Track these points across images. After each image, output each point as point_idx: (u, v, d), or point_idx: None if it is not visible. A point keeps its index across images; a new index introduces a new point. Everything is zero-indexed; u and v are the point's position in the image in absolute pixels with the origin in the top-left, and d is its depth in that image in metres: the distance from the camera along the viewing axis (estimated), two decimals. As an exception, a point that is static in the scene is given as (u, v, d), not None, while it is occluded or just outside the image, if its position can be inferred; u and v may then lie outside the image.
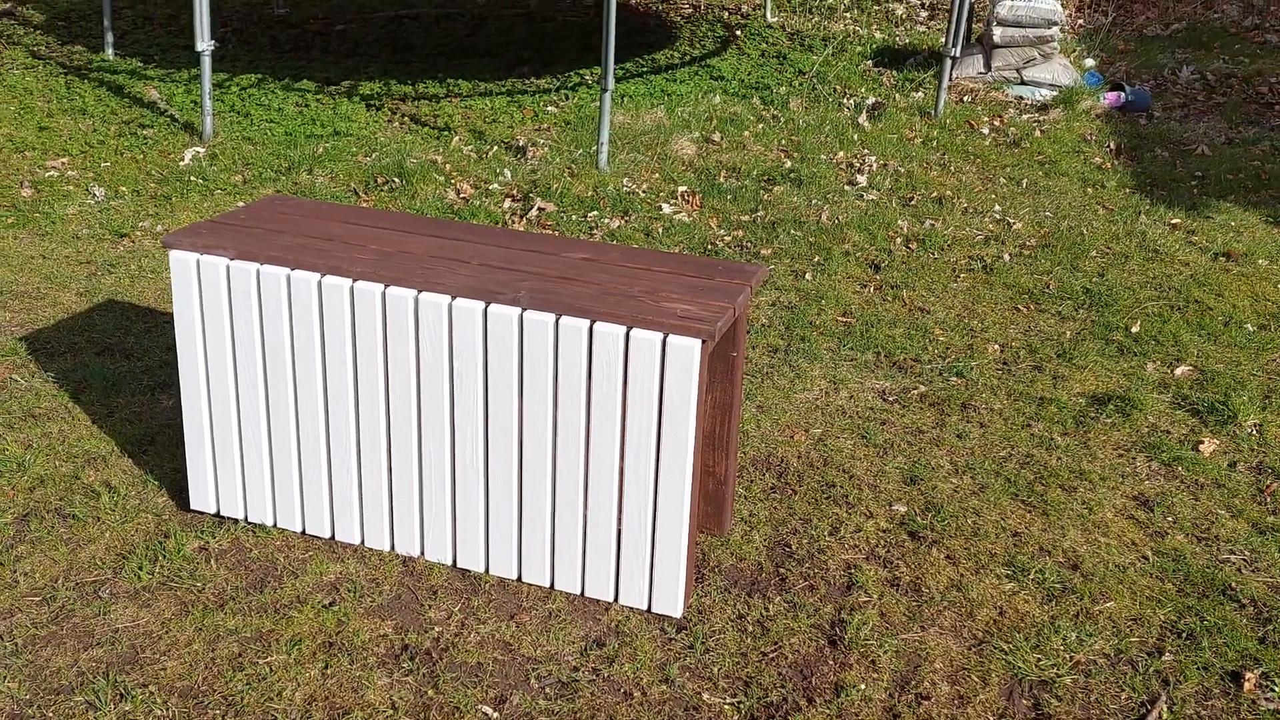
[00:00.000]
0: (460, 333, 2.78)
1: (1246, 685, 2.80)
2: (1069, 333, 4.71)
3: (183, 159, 5.96)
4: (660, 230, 5.56)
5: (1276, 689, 2.80)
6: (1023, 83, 8.55)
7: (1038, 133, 7.43)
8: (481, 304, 2.76)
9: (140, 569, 2.94)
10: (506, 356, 2.77)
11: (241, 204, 4.72)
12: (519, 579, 2.99)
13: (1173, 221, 6.01)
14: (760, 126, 7.12)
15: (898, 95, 8.06)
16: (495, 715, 2.57)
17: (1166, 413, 4.08)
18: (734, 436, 3.16)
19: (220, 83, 7.24)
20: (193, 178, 5.76)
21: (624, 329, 2.69)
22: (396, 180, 5.85)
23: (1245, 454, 3.82)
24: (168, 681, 2.60)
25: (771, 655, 2.81)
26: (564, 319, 2.71)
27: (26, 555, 2.98)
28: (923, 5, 10.99)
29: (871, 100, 7.84)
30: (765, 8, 10.05)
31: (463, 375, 2.82)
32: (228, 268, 2.89)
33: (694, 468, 2.77)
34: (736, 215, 5.81)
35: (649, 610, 2.91)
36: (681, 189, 6.04)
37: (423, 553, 3.04)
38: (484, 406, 2.84)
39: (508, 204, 5.75)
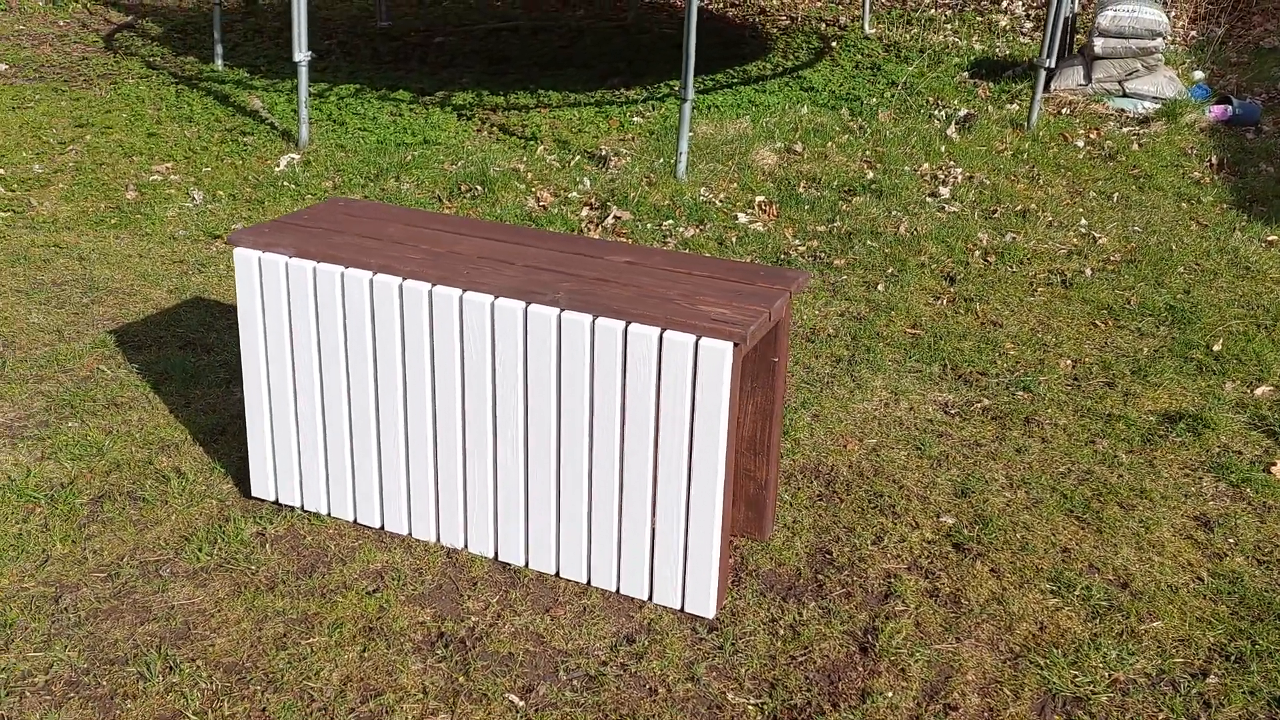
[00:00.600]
0: (502, 331, 2.86)
1: (1291, 710, 2.73)
2: (1146, 349, 4.62)
3: (278, 165, 6.19)
4: (734, 240, 5.59)
5: (1324, 715, 2.72)
6: (1125, 95, 8.38)
7: (1135, 146, 7.28)
8: (522, 304, 2.84)
9: (200, 551, 3.09)
10: (546, 355, 2.84)
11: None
12: (557, 574, 3.06)
13: (1270, 239, 5.84)
14: (845, 137, 7.11)
15: (991, 107, 7.97)
16: (521, 704, 2.64)
17: (1240, 433, 3.98)
18: (775, 442, 3.18)
19: (320, 92, 7.49)
20: (285, 183, 5.97)
21: (658, 330, 2.74)
22: (479, 188, 5.99)
23: (1317, 476, 3.72)
24: (214, 657, 2.72)
25: (800, 659, 2.83)
26: (600, 320, 2.78)
27: (97, 534, 3.14)
28: (1027, 16, 10.84)
29: (963, 112, 7.76)
30: (864, 19, 10.02)
31: (504, 373, 2.90)
32: (286, 265, 3.02)
33: (727, 470, 2.81)
34: (813, 225, 5.81)
35: (682, 610, 2.95)
36: (759, 199, 6.07)
37: (466, 545, 3.13)
38: (524, 404, 2.91)
39: (585, 212, 5.85)
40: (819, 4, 11.21)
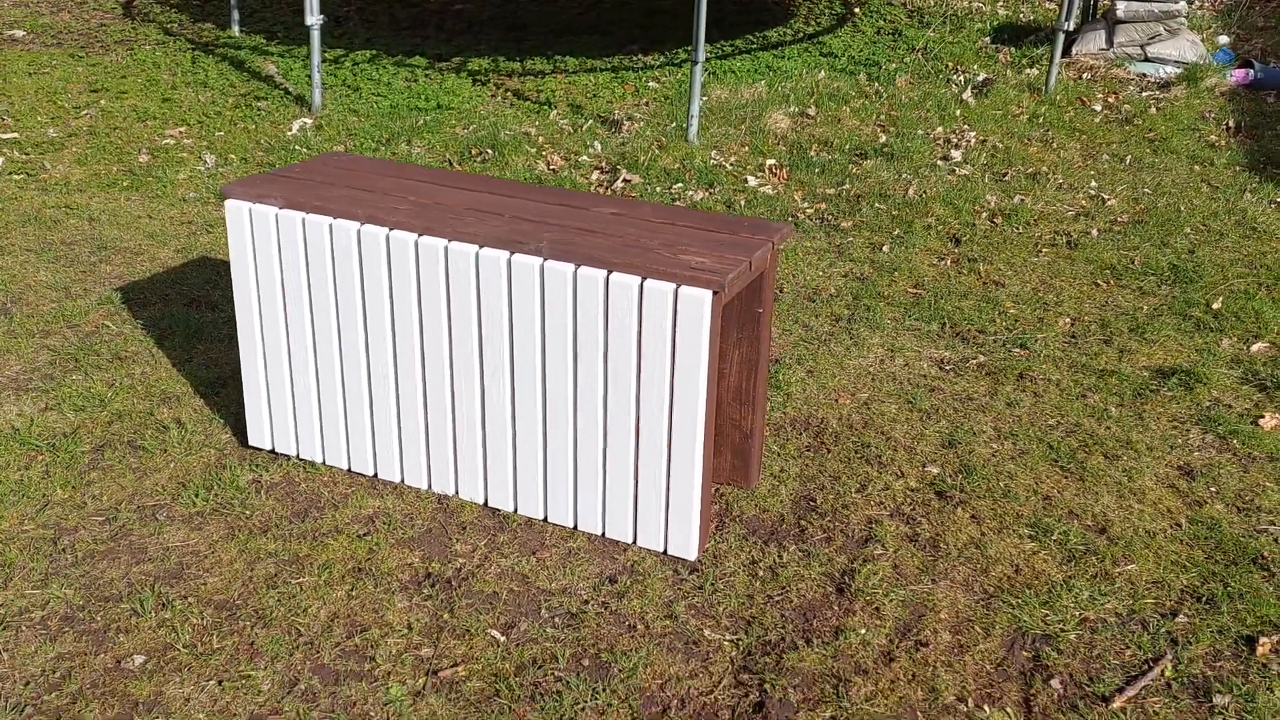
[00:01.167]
0: (486, 281, 2.92)
1: (1260, 649, 2.77)
2: (1146, 308, 4.62)
3: (290, 129, 6.27)
4: (742, 202, 5.63)
5: (1295, 657, 2.76)
6: (1146, 59, 8.32)
7: (1153, 110, 7.24)
8: (506, 253, 2.90)
9: (196, 496, 3.18)
10: (530, 305, 2.90)
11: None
12: (545, 519, 3.13)
13: (1279, 200, 5.81)
14: (861, 102, 7.10)
15: (1010, 72, 7.94)
16: (503, 639, 2.71)
17: (1232, 387, 4.00)
18: (761, 392, 3.23)
19: (336, 58, 7.56)
20: (298, 147, 6.05)
21: (639, 279, 2.79)
22: (490, 151, 6.04)
23: (1307, 429, 3.73)
24: (206, 595, 2.81)
25: (777, 599, 2.88)
26: (582, 269, 2.83)
27: (97, 481, 3.24)
28: (1050, -18, 10.73)
29: (982, 77, 7.74)
30: (882, -15, 9.96)
31: (489, 322, 2.96)
32: (276, 216, 3.09)
33: (708, 416, 2.86)
34: (822, 189, 5.83)
35: (665, 552, 3.02)
36: (769, 162, 6.10)
37: (457, 491, 3.20)
38: (509, 352, 2.98)
39: (595, 175, 5.89)
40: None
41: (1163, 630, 2.82)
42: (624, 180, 5.80)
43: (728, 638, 2.75)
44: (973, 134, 6.65)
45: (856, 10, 9.54)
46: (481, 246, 2.92)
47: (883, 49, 8.46)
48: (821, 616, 2.83)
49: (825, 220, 5.47)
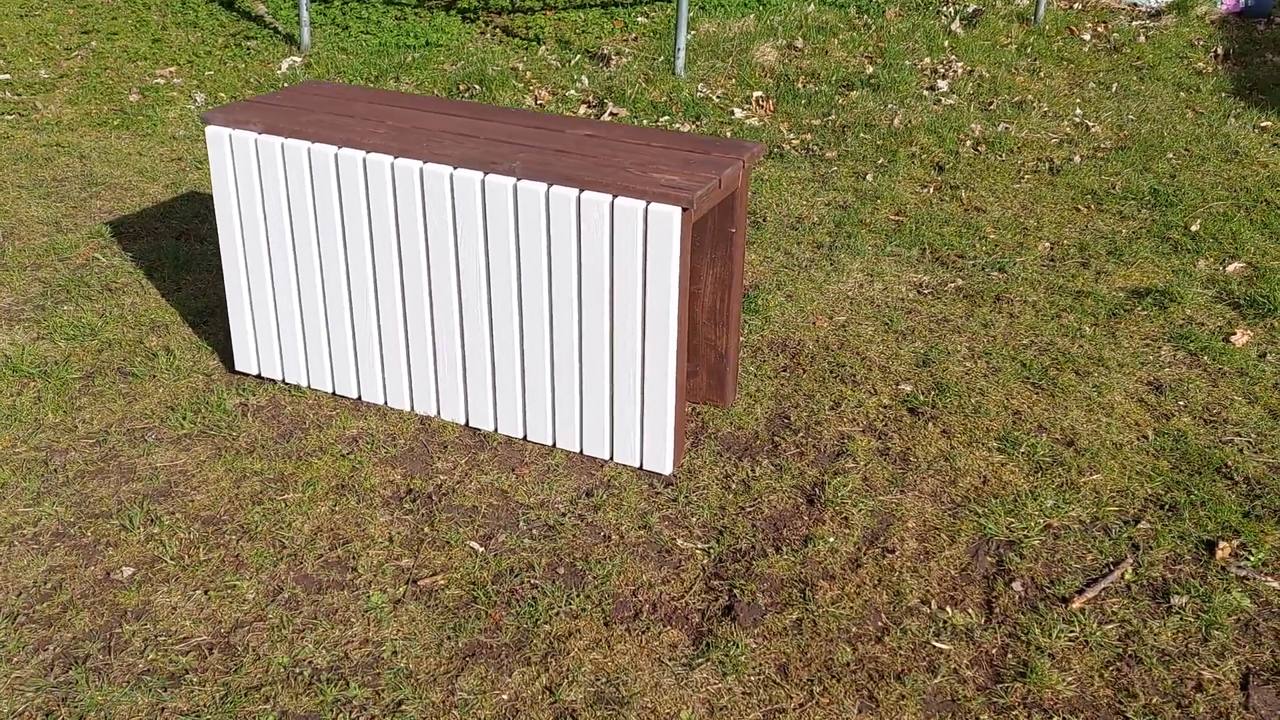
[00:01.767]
0: (461, 202, 2.98)
1: (1220, 553, 2.84)
2: (1125, 231, 4.67)
3: (279, 68, 6.29)
4: (729, 134, 5.65)
5: (1251, 558, 2.84)
6: (1137, -11, 8.27)
7: (1141, 38, 7.22)
8: (480, 174, 2.95)
9: (184, 419, 3.26)
10: (504, 224, 2.96)
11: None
12: (524, 437, 3.21)
13: (1263, 125, 5.83)
14: (849, 34, 7.10)
15: (1000, 3, 7.91)
16: (481, 550, 2.80)
17: (1205, 306, 4.05)
18: (735, 311, 3.29)
19: (325, -2, 7.54)
20: (286, 85, 6.07)
21: (610, 197, 2.84)
22: (477, 87, 6.07)
23: (1279, 346, 3.78)
24: (193, 511, 2.90)
25: (749, 510, 2.97)
26: (554, 188, 2.88)
27: (88, 406, 3.32)
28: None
29: (971, 8, 7.71)
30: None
31: (465, 243, 3.02)
32: (255, 141, 3.15)
33: (680, 332, 2.93)
34: (808, 120, 5.86)
35: (641, 468, 3.10)
36: (756, 94, 6.11)
37: (439, 412, 3.28)
38: (485, 272, 3.04)
39: (583, 110, 5.91)
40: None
41: (1125, 536, 2.90)
42: (611, 114, 5.82)
43: (699, 546, 2.83)
44: (960, 64, 6.65)
45: (849, -57, 9.48)
46: (456, 168, 2.98)
47: (874, -18, 8.41)
48: (791, 526, 2.91)
49: (810, 150, 5.50)
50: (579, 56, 6.62)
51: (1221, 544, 2.87)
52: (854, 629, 2.60)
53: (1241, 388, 3.55)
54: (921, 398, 3.47)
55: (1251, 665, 2.52)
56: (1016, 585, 2.74)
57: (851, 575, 2.76)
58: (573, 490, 3.02)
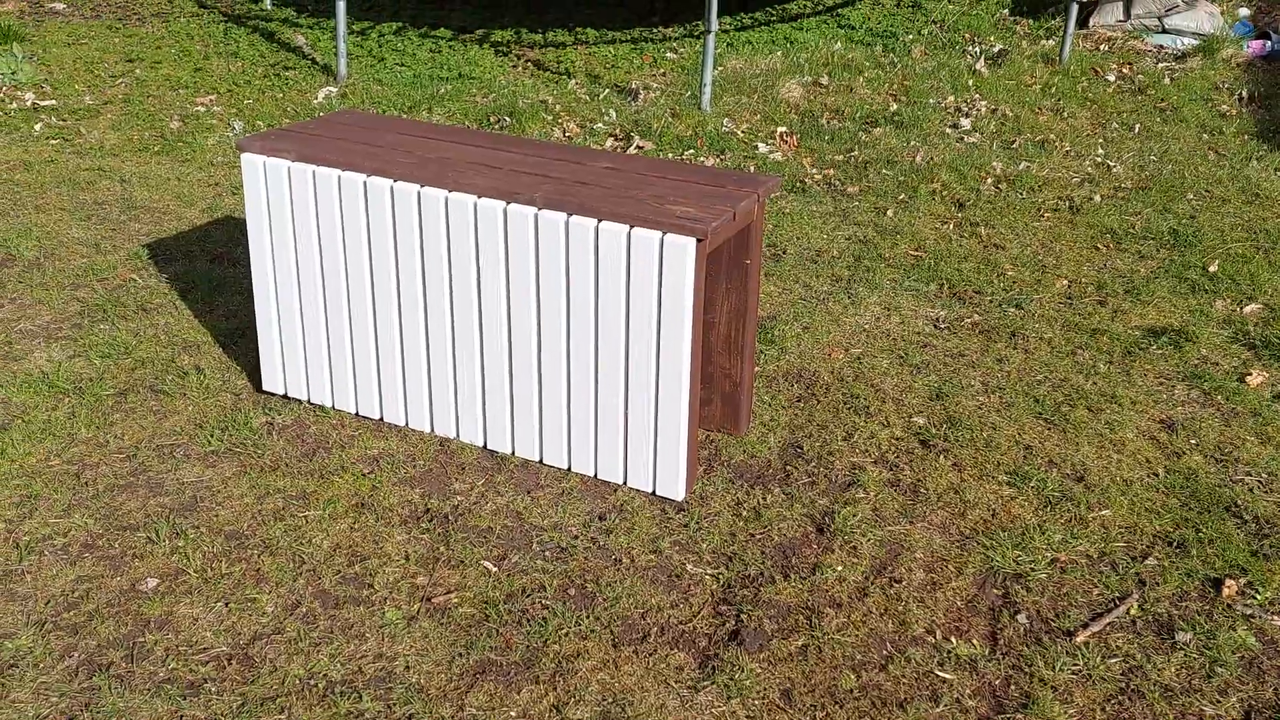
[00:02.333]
0: (484, 230, 3.07)
1: (1226, 590, 2.87)
2: (1144, 271, 4.71)
3: (316, 97, 6.43)
4: (752, 167, 5.74)
5: (1257, 597, 2.86)
6: (1164, 30, 8.34)
7: (1166, 80, 7.28)
8: (502, 204, 3.04)
9: (212, 437, 3.35)
10: (525, 253, 3.04)
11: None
12: (540, 460, 3.28)
13: (1287, 167, 5.86)
14: (875, 72, 7.18)
15: (1026, 44, 7.98)
16: (494, 570, 2.86)
17: (1221, 346, 4.08)
18: (750, 341, 3.36)
19: (363, 30, 7.71)
20: (322, 114, 6.21)
21: (627, 228, 2.92)
22: (507, 119, 6.18)
23: (1291, 386, 3.81)
24: (217, 526, 2.98)
25: (759, 537, 3.02)
26: (574, 218, 2.97)
27: (120, 422, 3.42)
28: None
29: (997, 48, 7.79)
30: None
31: (487, 270, 3.10)
32: (289, 169, 3.25)
33: (693, 360, 3.00)
34: (831, 155, 5.93)
35: (653, 493, 3.16)
36: (780, 129, 6.20)
37: (458, 434, 3.36)
38: (506, 298, 3.12)
39: (609, 143, 6.02)
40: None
41: (1132, 571, 2.94)
42: (637, 147, 5.92)
43: (709, 572, 2.89)
44: (984, 103, 6.72)
45: (879, -17, 9.58)
46: (480, 197, 3.06)
47: (901, 21, 8.52)
48: (800, 554, 2.97)
49: (832, 185, 5.58)
50: (607, 90, 6.73)
51: (1228, 582, 2.90)
52: (859, 656, 2.64)
53: (1254, 428, 3.58)
54: (934, 430, 3.51)
55: (1254, 703, 2.55)
56: (1021, 617, 2.78)
57: (858, 603, 2.80)
58: (586, 514, 3.09)
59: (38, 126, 5.99)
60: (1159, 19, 8.32)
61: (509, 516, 3.07)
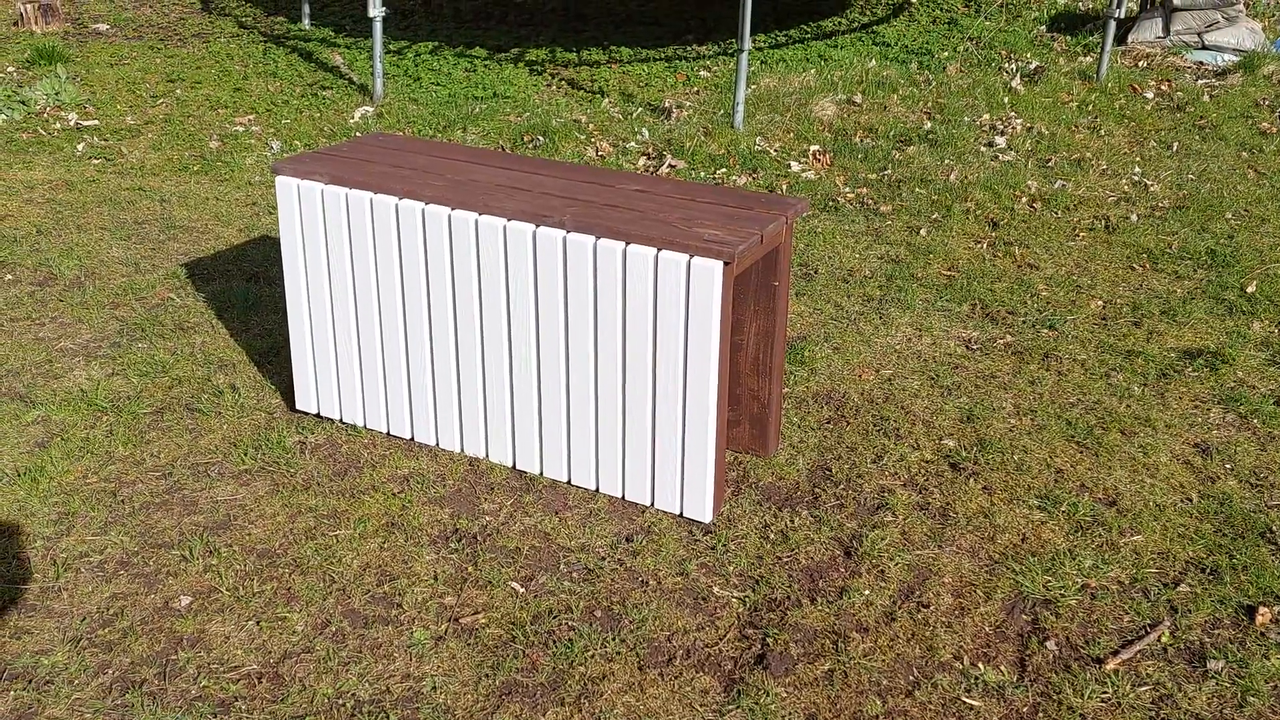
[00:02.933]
0: (513, 252, 3.09)
1: (1260, 619, 2.84)
2: (1180, 291, 4.67)
3: (352, 117, 6.50)
4: (785, 187, 5.74)
5: (1290, 625, 2.83)
6: (1204, 47, 8.28)
7: (1206, 98, 7.22)
8: (532, 226, 3.06)
9: (245, 455, 3.39)
10: (553, 274, 3.07)
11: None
12: (569, 481, 3.29)
13: (1327, 186, 5.79)
14: (909, 90, 7.17)
15: (1063, 60, 7.95)
16: (521, 591, 2.88)
17: (1258, 369, 4.04)
18: (778, 363, 3.36)
19: (400, 50, 7.79)
20: (358, 134, 6.28)
21: (654, 250, 2.94)
22: (541, 138, 6.22)
23: (1329, 410, 3.77)
24: (250, 544, 3.02)
25: (786, 560, 3.02)
26: (601, 241, 2.99)
27: (156, 440, 3.47)
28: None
29: (1034, 65, 7.76)
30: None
31: (516, 291, 3.13)
32: (322, 191, 3.29)
33: (720, 382, 3.00)
34: (864, 174, 5.93)
35: (681, 514, 3.17)
36: (813, 148, 6.20)
37: (487, 454, 3.38)
38: (534, 319, 3.14)
39: (642, 161, 6.04)
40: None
41: (1163, 598, 2.91)
42: (669, 166, 5.94)
43: (735, 595, 2.89)
44: (1019, 121, 6.69)
45: (913, 0, 9.58)
46: (509, 219, 3.09)
47: (936, 38, 8.50)
48: (828, 577, 2.96)
49: (865, 204, 5.57)
50: (640, 109, 6.76)
51: (1262, 610, 2.87)
52: (885, 682, 2.64)
53: (1289, 452, 3.54)
54: (964, 453, 3.50)
55: (1286, 731, 2.52)
56: (1051, 644, 2.76)
57: (885, 628, 2.79)
58: (613, 535, 3.10)
59: (80, 146, 6.09)
60: (1199, 35, 8.26)
61: (537, 537, 3.08)
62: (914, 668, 2.68)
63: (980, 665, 2.69)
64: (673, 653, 2.70)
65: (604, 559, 3.01)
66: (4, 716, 2.47)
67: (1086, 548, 3.09)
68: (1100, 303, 4.58)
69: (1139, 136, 6.56)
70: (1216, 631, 2.81)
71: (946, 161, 6.06)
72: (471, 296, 3.20)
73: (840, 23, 8.90)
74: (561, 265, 3.05)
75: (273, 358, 3.94)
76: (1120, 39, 8.33)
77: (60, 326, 4.15)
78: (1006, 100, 6.99)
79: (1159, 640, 2.79)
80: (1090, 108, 6.94)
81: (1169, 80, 7.52)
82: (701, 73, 7.54)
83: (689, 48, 8.17)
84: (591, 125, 6.44)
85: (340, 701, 2.53)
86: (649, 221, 3.03)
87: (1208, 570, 3.01)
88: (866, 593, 2.91)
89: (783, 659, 2.69)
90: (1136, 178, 5.91)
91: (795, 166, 5.98)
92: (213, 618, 2.76)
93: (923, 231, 5.25)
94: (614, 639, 2.73)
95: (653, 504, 3.20)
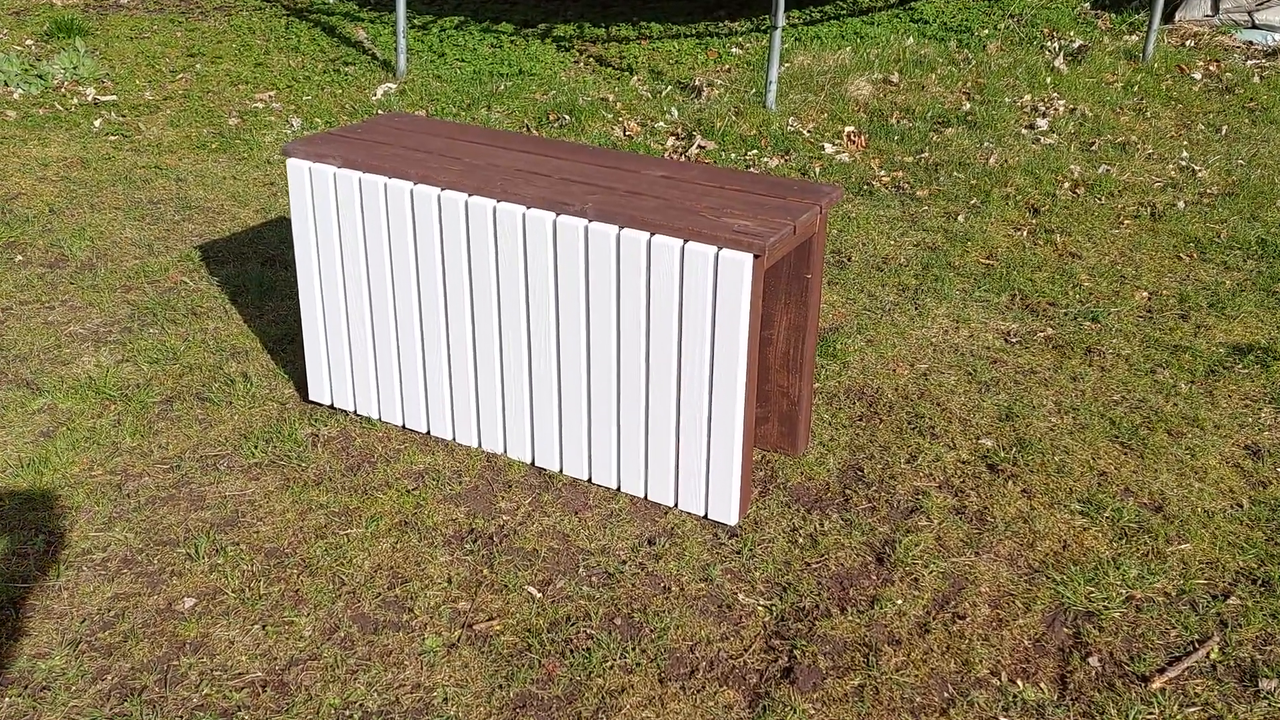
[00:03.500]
0: (533, 241, 2.96)
1: (1315, 637, 2.69)
2: (1229, 283, 4.49)
3: (375, 94, 6.37)
4: (818, 170, 5.58)
5: (1349, 644, 2.68)
6: (1254, 26, 8.02)
7: (1256, 79, 6.98)
8: (552, 214, 2.92)
9: (256, 448, 3.28)
10: (574, 265, 2.93)
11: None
12: (589, 479, 3.17)
13: (1383, 172, 5.57)
14: (948, 69, 6.97)
15: (1108, 39, 7.71)
16: (539, 595, 2.76)
17: (1312, 366, 3.87)
18: (809, 358, 3.22)
19: (424, 24, 7.64)
20: (380, 111, 6.15)
21: (681, 242, 2.80)
22: (567, 117, 6.08)
23: (1387, 411, 3.59)
24: (258, 543, 2.91)
25: (815, 566, 2.88)
26: (625, 231, 2.85)
27: (165, 430, 3.36)
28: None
29: (1077, 43, 7.53)
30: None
31: (536, 282, 2.99)
32: (334, 175, 3.16)
33: (749, 379, 2.86)
34: (901, 156, 5.75)
35: (705, 516, 3.03)
36: (848, 129, 6.03)
37: (505, 450, 3.25)
38: (555, 312, 3.01)
39: (670, 142, 5.89)
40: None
41: (1212, 611, 2.76)
42: (699, 146, 5.79)
43: (761, 603, 2.76)
44: (1062, 102, 6.49)
45: (952, -25, 9.33)
46: (529, 207, 2.95)
47: (977, 15, 8.27)
48: (859, 585, 2.83)
49: (901, 189, 5.40)
50: (670, 87, 6.60)
51: (1317, 625, 2.72)
52: (918, 699, 2.50)
53: (1346, 455, 3.37)
54: (1002, 454, 3.35)
55: (1345, 759, 2.37)
56: (1093, 660, 2.62)
57: (919, 641, 2.66)
58: (634, 537, 2.97)
59: (97, 122, 5.99)
60: (1249, 14, 8.00)
61: (555, 538, 2.96)
62: (949, 684, 2.54)
63: (1019, 682, 2.55)
64: (695, 664, 2.58)
65: (625, 562, 2.88)
66: (-3, 725, 2.37)
67: (1131, 556, 2.93)
68: (1145, 294, 4.41)
69: (1186, 119, 6.34)
70: (1269, 648, 2.66)
71: (986, 144, 5.87)
72: (489, 287, 3.07)
73: (876, -1, 8.68)
74: (583, 256, 2.92)
75: (287, 345, 3.83)
76: (1168, 17, 8.08)
77: (70, 310, 4.05)
78: (1049, 80, 6.78)
79: (1208, 657, 2.64)
80: (1136, 89, 6.72)
81: (1218, 61, 7.28)
82: (733, 50, 7.36)
83: (721, 24, 7.98)
84: (619, 104, 6.29)
85: (347, 712, 2.42)
86: (675, 210, 2.89)
87: (1259, 582, 2.86)
88: (899, 602, 2.77)
89: (811, 672, 2.56)
90: (1184, 163, 5.71)
91: (829, 148, 5.81)
92: (217, 621, 2.65)
93: (960, 218, 5.07)
94: (634, 649, 2.61)
95: (676, 505, 3.07)
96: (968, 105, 6.40)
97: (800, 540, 2.97)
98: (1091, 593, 2.81)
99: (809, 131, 5.99)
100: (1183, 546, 2.98)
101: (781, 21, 5.95)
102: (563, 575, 2.83)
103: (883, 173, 5.58)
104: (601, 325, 2.96)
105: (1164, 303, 4.34)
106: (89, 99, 6.28)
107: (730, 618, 2.71)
